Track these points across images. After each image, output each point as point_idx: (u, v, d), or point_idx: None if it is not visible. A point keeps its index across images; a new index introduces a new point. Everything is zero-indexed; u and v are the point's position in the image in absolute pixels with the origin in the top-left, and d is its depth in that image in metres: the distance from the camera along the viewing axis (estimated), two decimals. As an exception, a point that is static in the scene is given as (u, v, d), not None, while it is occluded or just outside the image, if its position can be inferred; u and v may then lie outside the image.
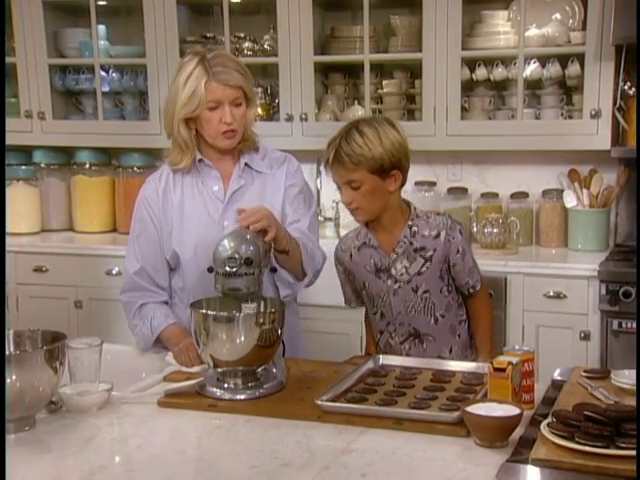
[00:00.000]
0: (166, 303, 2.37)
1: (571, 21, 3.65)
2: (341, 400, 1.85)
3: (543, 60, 3.63)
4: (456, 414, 1.70)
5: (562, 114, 3.66)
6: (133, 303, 2.35)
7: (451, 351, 2.32)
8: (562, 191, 3.70)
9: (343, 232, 3.64)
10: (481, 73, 3.72)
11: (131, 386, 1.99)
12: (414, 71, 3.86)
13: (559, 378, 1.98)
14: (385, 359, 2.15)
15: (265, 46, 3.98)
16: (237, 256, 1.95)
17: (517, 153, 3.75)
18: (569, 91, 3.69)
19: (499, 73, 3.70)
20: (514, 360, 1.77)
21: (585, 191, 3.62)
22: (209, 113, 2.23)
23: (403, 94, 3.92)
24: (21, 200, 4.18)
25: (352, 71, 3.99)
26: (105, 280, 3.77)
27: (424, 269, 2.27)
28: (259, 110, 3.91)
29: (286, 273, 2.25)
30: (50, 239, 4.16)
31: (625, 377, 1.85)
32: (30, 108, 4.18)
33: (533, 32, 3.60)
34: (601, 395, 1.80)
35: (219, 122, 2.24)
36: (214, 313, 1.97)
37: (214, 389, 1.94)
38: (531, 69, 3.64)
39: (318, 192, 3.93)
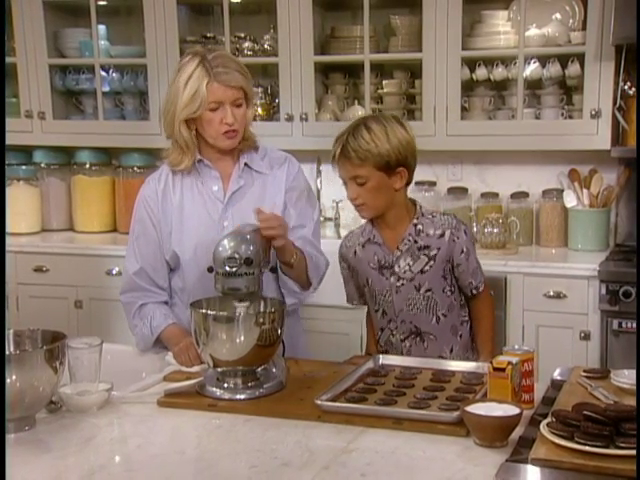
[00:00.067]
0: (166, 303, 2.37)
1: (571, 21, 3.65)
2: (341, 400, 1.85)
3: (543, 60, 3.63)
4: (456, 414, 1.70)
5: (562, 114, 3.66)
6: (133, 303, 2.35)
7: (452, 351, 2.32)
8: (562, 191, 3.70)
9: (343, 232, 3.65)
10: (481, 73, 3.72)
11: (131, 386, 1.99)
12: (414, 71, 3.86)
13: (559, 378, 1.98)
14: (385, 359, 2.15)
15: (265, 46, 3.98)
16: (237, 256, 1.95)
17: (517, 153, 3.75)
18: (569, 91, 3.69)
19: (499, 73, 3.70)
20: (514, 360, 1.77)
21: (585, 191, 3.62)
22: (210, 114, 2.23)
23: (403, 94, 3.91)
24: (21, 200, 4.18)
25: (352, 71, 3.98)
26: (105, 280, 3.77)
27: (427, 268, 2.27)
28: (259, 110, 3.92)
29: (292, 282, 2.25)
30: (50, 239, 4.16)
31: (625, 377, 1.85)
32: (30, 108, 4.18)
33: (533, 32, 3.60)
34: (601, 395, 1.80)
35: (220, 122, 2.24)
36: (214, 313, 1.97)
37: (214, 389, 1.94)
38: (531, 69, 3.63)
39: (318, 192, 3.93)
